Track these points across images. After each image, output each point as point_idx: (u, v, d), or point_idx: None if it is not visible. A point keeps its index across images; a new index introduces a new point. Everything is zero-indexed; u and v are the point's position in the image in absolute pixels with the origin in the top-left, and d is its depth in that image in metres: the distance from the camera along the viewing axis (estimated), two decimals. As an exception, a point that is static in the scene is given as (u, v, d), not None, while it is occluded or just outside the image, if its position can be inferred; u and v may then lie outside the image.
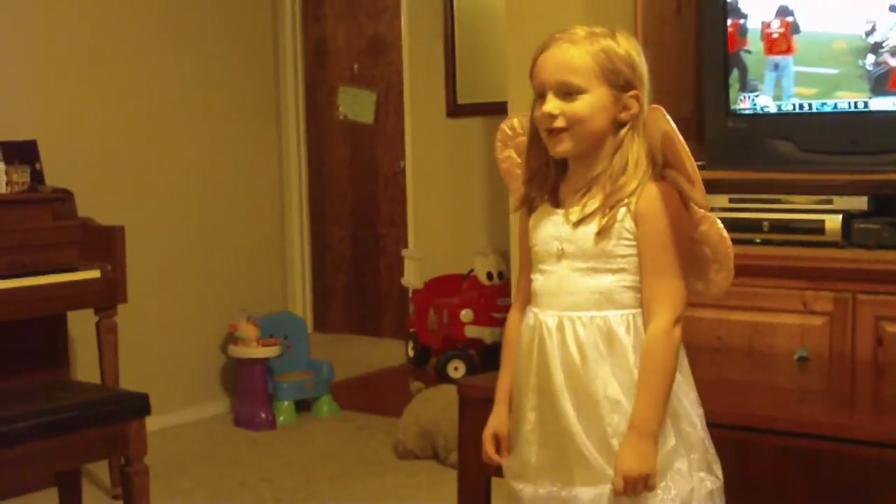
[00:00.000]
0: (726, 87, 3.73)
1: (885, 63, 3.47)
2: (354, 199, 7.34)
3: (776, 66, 3.66)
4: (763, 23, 3.65)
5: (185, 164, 5.62)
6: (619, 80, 2.16)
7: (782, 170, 3.62)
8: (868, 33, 3.49)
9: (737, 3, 3.67)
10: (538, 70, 2.21)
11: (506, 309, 5.30)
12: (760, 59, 3.68)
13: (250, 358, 5.54)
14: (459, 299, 5.91)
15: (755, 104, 3.71)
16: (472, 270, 5.99)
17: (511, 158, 2.43)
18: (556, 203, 2.25)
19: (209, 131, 5.75)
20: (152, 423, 3.75)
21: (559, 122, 2.17)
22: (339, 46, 7.26)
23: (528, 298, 2.32)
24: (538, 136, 2.24)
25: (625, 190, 2.15)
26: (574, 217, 2.19)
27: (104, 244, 4.42)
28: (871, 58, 3.50)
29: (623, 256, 2.17)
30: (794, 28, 3.62)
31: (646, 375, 2.13)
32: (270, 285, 6.18)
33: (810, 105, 3.62)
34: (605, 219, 2.15)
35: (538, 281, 2.27)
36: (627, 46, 2.18)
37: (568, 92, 2.16)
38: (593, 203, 2.18)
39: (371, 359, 6.77)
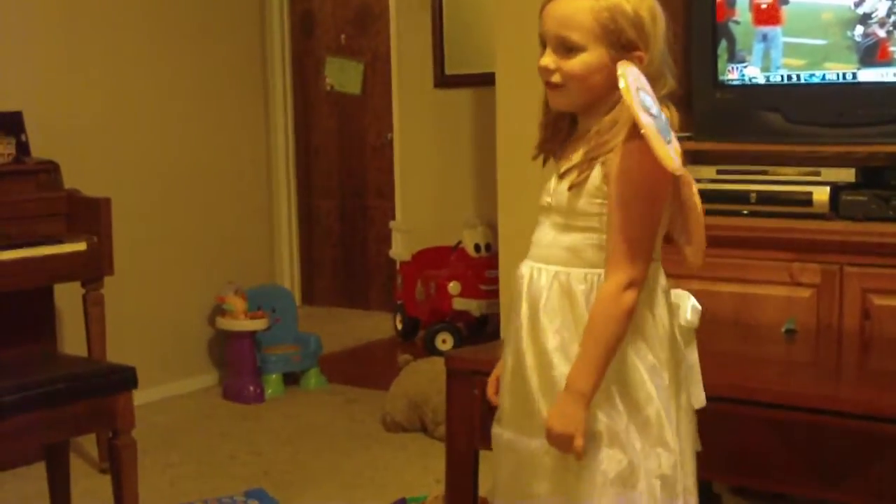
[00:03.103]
0: (714, 57, 3.72)
1: (874, 34, 3.47)
2: (342, 171, 7.34)
3: (765, 37, 3.66)
4: (752, -7, 3.65)
5: (172, 136, 5.59)
6: (620, 41, 2.10)
7: (770, 141, 3.62)
8: (857, 4, 3.48)
9: (725, -27, 3.67)
10: (543, 19, 2.16)
11: (494, 281, 5.34)
12: (749, 30, 3.68)
13: (238, 331, 5.53)
14: (447, 271, 5.91)
15: (743, 75, 3.70)
16: (459, 242, 5.99)
17: None
18: (559, 156, 2.24)
19: (196, 103, 5.72)
20: (140, 397, 3.74)
21: (555, 78, 2.14)
22: (325, 17, 7.24)
23: None
24: None
25: (604, 147, 2.10)
26: (560, 170, 2.18)
27: (90, 216, 4.39)
28: (859, 29, 3.49)
29: (593, 214, 2.13)
30: (782, -1, 3.61)
31: (586, 336, 2.09)
32: (258, 258, 6.16)
33: (798, 76, 3.61)
34: (579, 176, 2.12)
35: (535, 232, 2.25)
36: (637, 4, 2.11)
37: (567, 48, 2.11)
38: (576, 158, 2.15)
39: (359, 332, 6.78)
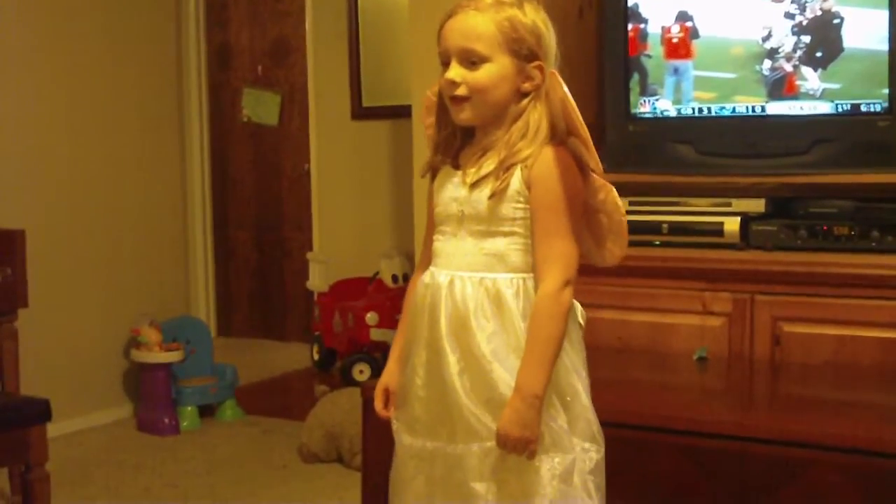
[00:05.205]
0: (627, 91, 3.77)
1: (781, 68, 3.54)
2: (258, 202, 7.32)
3: (676, 71, 3.71)
4: (663, 27, 3.70)
5: (87, 167, 5.55)
6: (522, 50, 2.16)
7: (681, 173, 3.67)
8: (764, 39, 3.56)
9: (637, 7, 3.72)
10: (443, 37, 2.21)
11: (411, 311, 5.33)
12: (660, 64, 3.73)
13: (153, 363, 5.49)
14: (365, 302, 5.91)
15: (655, 108, 3.76)
16: (377, 273, 6.00)
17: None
18: (456, 165, 2.26)
19: (112, 134, 5.68)
20: (54, 430, 3.70)
21: (461, 91, 2.17)
22: (242, 49, 7.24)
23: (430, 262, 2.32)
24: (445, 105, 2.25)
25: (520, 154, 2.15)
26: (470, 179, 2.20)
27: (4, 248, 4.33)
28: (767, 63, 3.56)
29: (515, 219, 2.17)
30: (693, 33, 3.67)
31: (531, 338, 2.12)
32: (173, 289, 6.11)
33: (709, 109, 3.67)
34: (499, 181, 2.15)
35: (438, 242, 2.27)
36: (534, 17, 2.18)
37: (471, 60, 2.16)
38: (489, 166, 2.19)
39: (276, 363, 6.75)
